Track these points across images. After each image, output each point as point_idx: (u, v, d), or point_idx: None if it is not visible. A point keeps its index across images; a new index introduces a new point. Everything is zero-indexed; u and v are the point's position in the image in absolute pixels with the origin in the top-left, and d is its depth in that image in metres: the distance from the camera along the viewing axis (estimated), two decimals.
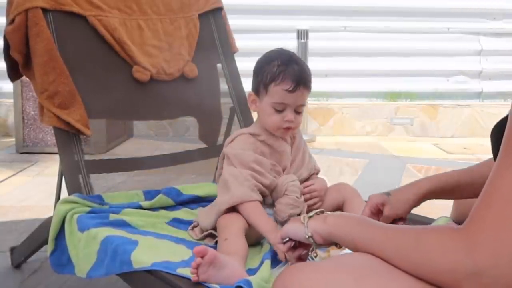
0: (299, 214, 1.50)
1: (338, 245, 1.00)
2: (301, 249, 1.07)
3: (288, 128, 1.48)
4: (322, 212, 1.01)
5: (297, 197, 1.47)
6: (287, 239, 1.05)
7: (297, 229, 1.01)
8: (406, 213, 1.30)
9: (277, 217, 1.47)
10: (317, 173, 1.64)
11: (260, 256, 1.35)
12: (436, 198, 1.31)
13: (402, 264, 0.78)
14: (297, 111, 1.48)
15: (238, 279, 1.11)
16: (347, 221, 0.93)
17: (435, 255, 0.73)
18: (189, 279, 1.15)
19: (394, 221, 1.32)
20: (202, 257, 1.13)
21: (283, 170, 1.53)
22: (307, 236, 0.98)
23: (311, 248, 1.04)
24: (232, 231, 1.34)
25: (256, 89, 1.50)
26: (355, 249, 0.89)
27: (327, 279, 0.80)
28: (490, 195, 0.71)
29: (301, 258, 1.08)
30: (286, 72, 1.43)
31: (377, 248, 0.83)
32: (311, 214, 1.00)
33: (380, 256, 0.82)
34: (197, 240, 1.47)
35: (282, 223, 1.42)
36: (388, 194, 1.32)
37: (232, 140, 1.52)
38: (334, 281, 0.79)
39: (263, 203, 1.48)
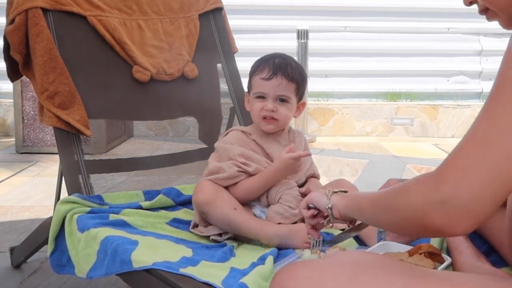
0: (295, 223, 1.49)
1: (353, 222, 1.15)
2: (320, 218, 1.17)
3: (269, 119, 1.50)
4: (346, 191, 1.12)
5: (289, 207, 1.46)
6: (312, 205, 1.16)
7: (321, 199, 1.12)
8: None
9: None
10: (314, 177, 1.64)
11: (257, 255, 1.34)
12: None
13: (395, 214, 0.84)
14: (281, 101, 1.50)
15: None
16: (358, 195, 1.04)
17: (411, 195, 0.80)
18: (192, 278, 1.15)
19: None
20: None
21: None
22: (327, 207, 1.09)
23: (328, 219, 1.13)
24: (230, 199, 1.43)
25: (248, 88, 1.57)
26: (364, 217, 0.99)
27: (322, 277, 0.81)
28: (464, 139, 0.77)
29: (316, 228, 1.20)
30: (265, 63, 1.50)
31: (377, 208, 0.90)
32: (336, 190, 1.12)
33: (384, 216, 0.88)
34: (200, 238, 1.47)
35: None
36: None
37: (225, 135, 1.57)
38: (329, 278, 0.80)
39: (259, 203, 1.50)
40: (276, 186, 1.48)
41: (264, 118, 1.50)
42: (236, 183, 1.47)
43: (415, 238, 1.30)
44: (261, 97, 1.50)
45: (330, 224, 1.14)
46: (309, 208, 1.18)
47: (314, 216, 1.19)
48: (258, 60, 1.55)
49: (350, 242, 1.45)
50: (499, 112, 0.74)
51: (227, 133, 1.58)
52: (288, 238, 1.39)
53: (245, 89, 1.62)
